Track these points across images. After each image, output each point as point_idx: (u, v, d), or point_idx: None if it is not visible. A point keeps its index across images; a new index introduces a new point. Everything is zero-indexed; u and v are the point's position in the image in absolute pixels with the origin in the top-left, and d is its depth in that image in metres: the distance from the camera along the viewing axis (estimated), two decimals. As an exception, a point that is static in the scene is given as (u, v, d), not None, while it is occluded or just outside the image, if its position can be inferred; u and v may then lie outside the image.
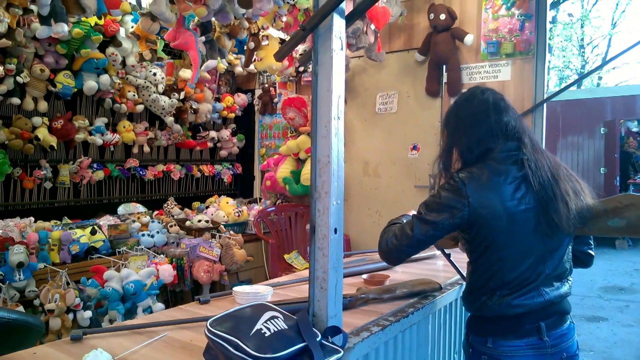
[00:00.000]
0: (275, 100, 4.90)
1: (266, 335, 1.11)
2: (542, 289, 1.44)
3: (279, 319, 1.19)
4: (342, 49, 1.22)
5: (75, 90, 3.53)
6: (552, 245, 1.46)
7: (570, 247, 1.53)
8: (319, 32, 1.23)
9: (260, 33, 3.68)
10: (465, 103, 1.58)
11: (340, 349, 1.15)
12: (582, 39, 18.80)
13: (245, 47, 3.77)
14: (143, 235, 3.57)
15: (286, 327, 1.16)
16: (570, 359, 1.47)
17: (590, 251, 1.63)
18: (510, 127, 1.50)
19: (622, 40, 20.02)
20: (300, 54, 4.08)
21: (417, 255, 2.38)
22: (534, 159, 1.46)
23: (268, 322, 1.16)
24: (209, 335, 1.16)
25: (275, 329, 1.14)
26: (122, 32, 3.57)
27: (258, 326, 1.14)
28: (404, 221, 1.61)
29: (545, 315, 1.44)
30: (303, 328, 1.16)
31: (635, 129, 10.08)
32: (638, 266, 7.05)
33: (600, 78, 18.80)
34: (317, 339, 1.14)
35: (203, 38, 3.18)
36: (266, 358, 1.04)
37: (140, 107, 4.01)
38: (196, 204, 4.51)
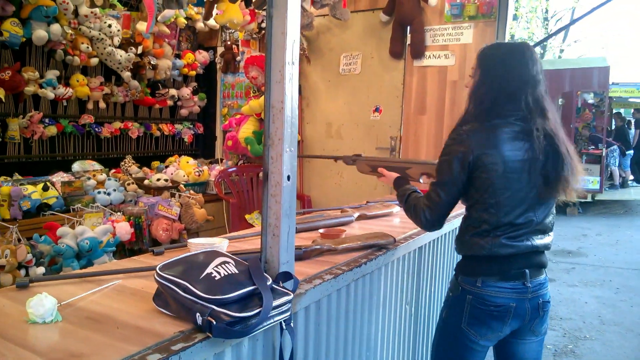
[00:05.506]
0: (238, 58, 4.79)
1: (216, 278, 1.11)
2: (530, 235, 1.54)
3: (230, 264, 1.19)
4: (297, -10, 1.19)
5: (24, 39, 3.34)
6: (544, 196, 1.54)
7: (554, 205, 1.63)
8: (275, -27, 1.19)
9: (221, -15, 3.55)
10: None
11: (290, 292, 1.16)
12: (547, 11, 19.00)
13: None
14: (99, 192, 3.48)
15: (237, 272, 1.16)
16: (545, 304, 1.61)
17: None
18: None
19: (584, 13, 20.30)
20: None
21: (374, 212, 2.43)
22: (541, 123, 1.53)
23: (219, 266, 1.16)
24: (158, 279, 1.15)
25: (226, 273, 1.14)
26: (73, -22, 3.38)
27: (208, 270, 1.14)
28: (409, 192, 1.74)
29: (530, 264, 1.56)
30: (254, 273, 1.16)
31: (591, 101, 10.37)
32: (586, 232, 7.38)
33: (562, 51, 19.15)
34: (268, 283, 1.14)
35: (160, -14, 3.05)
36: (215, 299, 1.04)
37: (94, 61, 3.85)
38: (155, 164, 4.43)
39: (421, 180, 1.97)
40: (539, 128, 1.51)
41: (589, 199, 8.83)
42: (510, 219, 1.51)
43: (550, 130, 1.53)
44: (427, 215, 1.59)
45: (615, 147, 10.52)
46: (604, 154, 9.07)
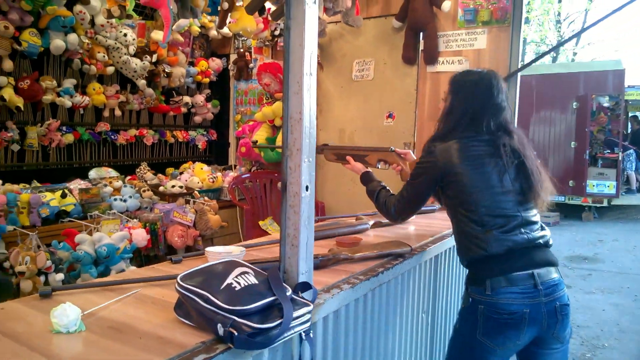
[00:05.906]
0: (251, 65, 4.82)
1: (236, 289, 1.12)
2: (521, 228, 1.57)
3: (250, 274, 1.20)
4: (315, 2, 1.20)
5: (42, 49, 3.40)
6: (521, 202, 1.61)
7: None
8: (292, -15, 1.21)
9: (234, -6, 3.58)
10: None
11: (310, 303, 1.17)
12: (559, 14, 18.84)
13: (219, 8, 3.67)
14: (115, 199, 3.52)
15: (257, 282, 1.16)
16: (563, 307, 1.58)
17: None
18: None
19: (598, 16, 20.07)
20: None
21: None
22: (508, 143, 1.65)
23: (239, 277, 1.17)
24: (180, 289, 1.16)
25: (246, 284, 1.14)
26: (90, -11, 3.43)
27: (229, 281, 1.15)
28: (378, 189, 1.94)
29: (534, 262, 1.56)
30: (273, 283, 1.16)
31: (606, 104, 10.25)
32: (602, 237, 7.30)
33: (575, 54, 18.96)
34: (288, 294, 1.15)
35: (175, -4, 3.09)
36: (236, 310, 1.04)
37: (110, 69, 3.90)
38: (170, 170, 4.46)
39: (379, 166, 2.16)
40: (505, 143, 1.62)
41: (605, 204, 8.71)
42: (493, 212, 1.57)
43: (516, 147, 1.64)
44: (397, 208, 1.81)
45: (631, 150, 10.38)
46: (620, 158, 8.96)
